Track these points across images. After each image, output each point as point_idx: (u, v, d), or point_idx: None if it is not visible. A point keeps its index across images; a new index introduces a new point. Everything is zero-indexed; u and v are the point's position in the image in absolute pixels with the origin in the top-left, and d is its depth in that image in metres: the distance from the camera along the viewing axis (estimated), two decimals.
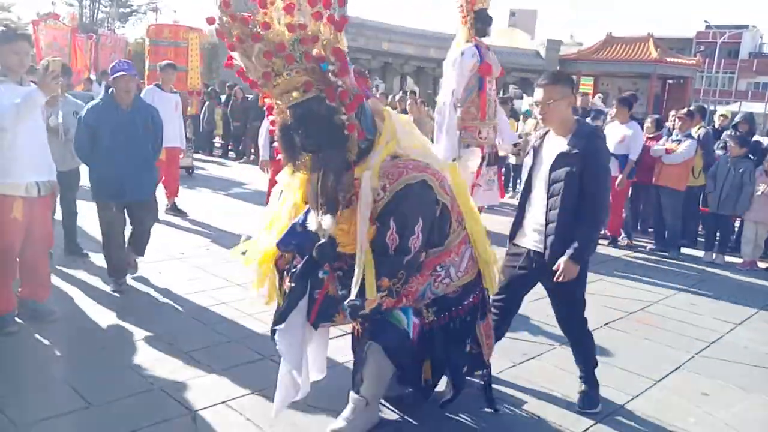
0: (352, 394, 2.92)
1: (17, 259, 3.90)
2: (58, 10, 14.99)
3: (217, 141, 15.36)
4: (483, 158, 6.63)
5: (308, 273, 2.80)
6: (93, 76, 13.43)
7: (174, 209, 7.46)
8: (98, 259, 5.10)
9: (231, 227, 6.99)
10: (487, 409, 3.19)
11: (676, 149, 7.03)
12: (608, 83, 27.94)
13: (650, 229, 8.01)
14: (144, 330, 3.97)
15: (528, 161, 3.38)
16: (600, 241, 7.61)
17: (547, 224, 3.15)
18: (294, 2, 2.51)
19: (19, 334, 3.80)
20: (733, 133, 7.46)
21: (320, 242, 2.70)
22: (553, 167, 3.12)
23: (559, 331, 4.35)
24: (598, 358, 4.01)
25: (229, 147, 14.93)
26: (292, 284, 2.82)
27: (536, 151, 3.31)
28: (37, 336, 3.81)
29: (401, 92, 13.84)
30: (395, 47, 32.92)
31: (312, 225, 2.76)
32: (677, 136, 7.21)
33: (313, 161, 2.72)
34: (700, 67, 31.88)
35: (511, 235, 3.43)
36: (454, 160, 5.91)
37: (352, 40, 31.74)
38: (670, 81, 30.19)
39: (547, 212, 3.15)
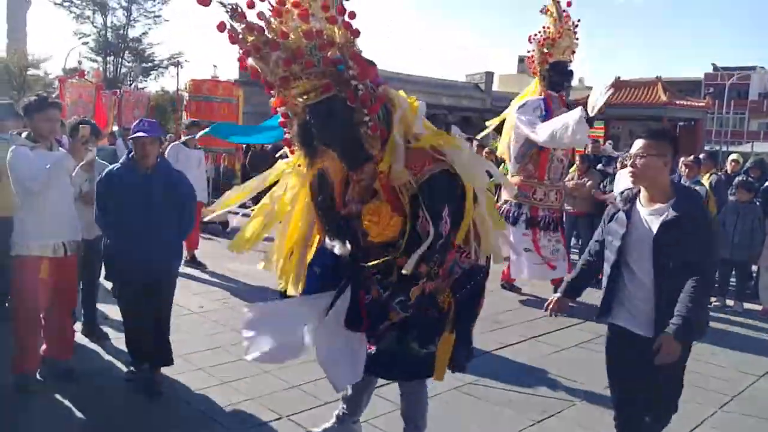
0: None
1: (42, 319, 3.99)
2: (83, 65, 15.52)
3: None
4: (535, 222, 6.34)
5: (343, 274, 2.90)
6: (116, 129, 13.84)
7: (193, 261, 7.55)
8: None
9: (250, 279, 7.06)
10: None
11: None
12: (620, 126, 28.13)
13: None
14: (162, 389, 4.00)
15: (614, 228, 2.99)
16: None
17: (658, 305, 2.82)
18: (308, 9, 2.58)
19: (40, 393, 3.85)
20: (744, 179, 7.49)
21: (346, 263, 2.84)
22: (659, 239, 2.79)
23: (578, 386, 4.36)
24: None
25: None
26: (317, 269, 2.96)
27: (628, 216, 2.94)
28: (57, 396, 3.86)
29: None
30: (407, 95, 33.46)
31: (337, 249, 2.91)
32: (686, 182, 7.26)
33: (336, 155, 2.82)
34: (710, 108, 32.03)
35: (603, 312, 3.05)
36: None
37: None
38: (681, 123, 30.32)
39: (658, 292, 2.82)
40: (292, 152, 3.00)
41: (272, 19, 2.61)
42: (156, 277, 3.97)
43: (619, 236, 2.94)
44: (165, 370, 4.21)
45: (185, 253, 7.47)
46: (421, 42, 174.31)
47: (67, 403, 3.79)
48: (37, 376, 3.96)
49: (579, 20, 6.59)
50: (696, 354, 5.29)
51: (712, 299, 7.25)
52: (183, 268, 7.25)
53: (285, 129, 2.95)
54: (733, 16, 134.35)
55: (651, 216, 2.85)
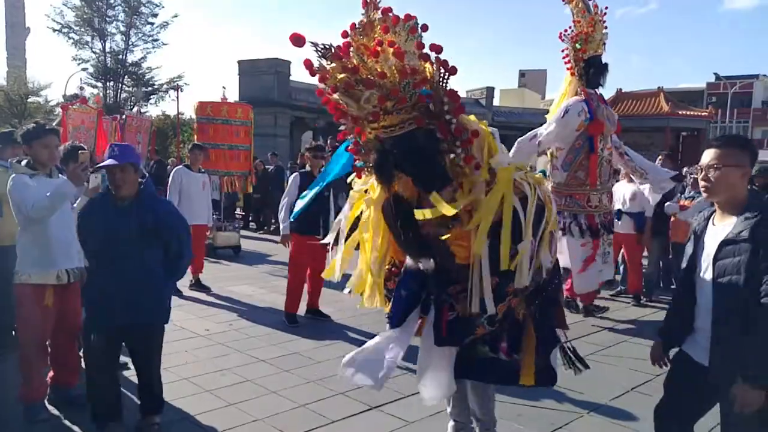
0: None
1: (48, 346, 4.01)
2: (84, 91, 15.70)
3: (239, 212, 15.69)
4: (594, 229, 6.02)
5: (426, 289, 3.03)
6: None
7: (198, 285, 7.59)
8: None
9: (255, 301, 7.09)
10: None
11: (690, 206, 7.06)
12: (623, 138, 28.16)
13: (673, 286, 7.94)
14: (169, 411, 4.00)
15: (689, 249, 2.81)
16: (624, 300, 7.56)
17: (713, 333, 2.53)
18: (403, 49, 2.68)
19: (49, 422, 3.86)
20: (749, 187, 7.46)
21: (431, 280, 2.95)
22: (718, 257, 2.52)
23: (585, 398, 4.34)
24: (625, 424, 3.97)
25: (250, 218, 15.22)
26: (403, 292, 3.05)
27: (698, 236, 2.74)
28: (66, 422, 3.87)
29: None
30: None
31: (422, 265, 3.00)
32: (690, 192, 7.26)
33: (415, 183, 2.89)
34: (713, 118, 32.09)
35: (669, 336, 2.88)
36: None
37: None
38: (684, 133, 30.36)
39: (715, 318, 2.53)
40: (359, 177, 3.12)
41: (368, 60, 2.69)
42: (133, 320, 3.51)
43: (687, 256, 2.77)
44: (172, 393, 4.21)
45: (190, 277, 7.52)
46: None
47: (77, 429, 3.80)
48: (46, 403, 3.97)
49: (606, 8, 6.20)
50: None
51: None
52: (188, 292, 7.34)
53: (355, 157, 3.06)
54: (735, 25, 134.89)
55: (718, 233, 2.58)
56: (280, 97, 27.92)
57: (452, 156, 2.78)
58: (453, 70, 2.73)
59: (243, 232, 13.75)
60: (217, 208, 12.14)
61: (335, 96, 2.78)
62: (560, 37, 6.22)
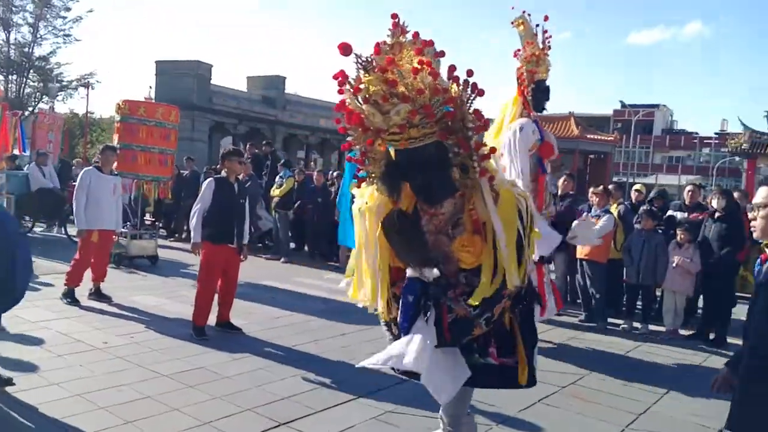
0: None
1: None
2: None
3: (148, 218, 15.01)
4: (542, 257, 5.78)
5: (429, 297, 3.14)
6: (19, 153, 13.04)
7: (97, 294, 7.12)
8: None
9: (161, 312, 6.76)
10: None
11: (596, 223, 7.37)
12: None
13: (578, 300, 8.25)
14: (58, 430, 3.71)
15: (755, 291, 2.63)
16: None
17: (740, 385, 2.38)
18: (437, 69, 2.97)
19: None
20: (648, 208, 7.91)
21: (432, 286, 3.09)
22: (756, 305, 2.37)
23: (495, 409, 4.39)
24: None
25: (160, 225, 14.60)
26: (410, 297, 3.17)
27: (759, 277, 2.55)
28: None
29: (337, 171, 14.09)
30: (332, 124, 33.61)
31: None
32: (596, 211, 7.59)
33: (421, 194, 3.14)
34: (618, 143, 34.00)
35: (735, 368, 2.62)
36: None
37: (291, 116, 32.35)
38: (591, 156, 31.96)
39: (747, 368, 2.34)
40: (359, 186, 3.31)
41: (406, 76, 2.89)
42: None
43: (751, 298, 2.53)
44: (63, 410, 3.92)
45: (90, 285, 7.08)
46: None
47: None
48: None
49: (550, 36, 6.22)
50: (605, 376, 5.50)
51: (620, 322, 7.57)
52: (86, 302, 6.89)
53: (358, 167, 3.27)
54: (637, 58, 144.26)
55: None
56: (200, 100, 27.18)
57: (464, 169, 3.05)
58: (481, 92, 3.02)
59: (161, 241, 13.19)
60: (132, 213, 11.58)
61: (364, 107, 2.93)
62: (515, 55, 6.24)
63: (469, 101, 3.04)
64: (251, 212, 10.76)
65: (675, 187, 31.86)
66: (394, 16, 3.10)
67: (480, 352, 3.20)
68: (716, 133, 52.08)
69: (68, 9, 32.30)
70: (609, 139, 31.36)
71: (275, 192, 11.57)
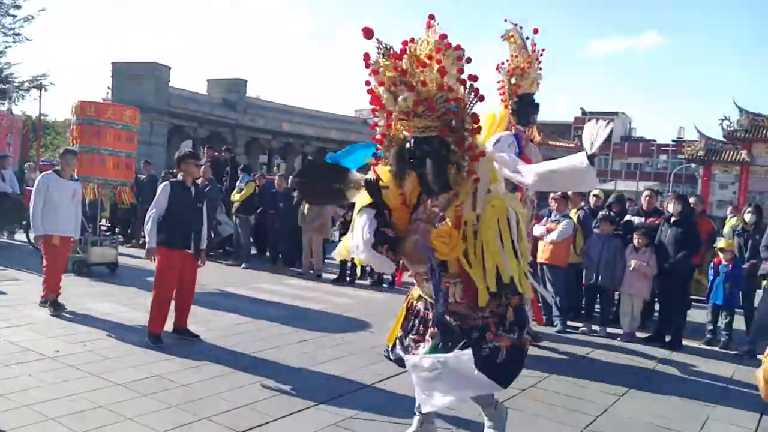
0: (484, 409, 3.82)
1: None
2: None
3: (104, 224, 14.62)
4: None
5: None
6: None
7: (54, 304, 6.72)
8: None
9: (117, 319, 6.56)
10: None
11: (555, 228, 7.47)
12: None
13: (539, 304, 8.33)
14: None
15: None
16: None
17: None
18: (447, 69, 3.21)
19: None
20: (606, 213, 8.05)
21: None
22: None
23: (454, 413, 4.37)
24: None
25: (117, 230, 14.24)
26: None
27: None
28: None
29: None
30: (295, 128, 33.54)
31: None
32: (555, 216, 7.69)
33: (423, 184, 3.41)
34: (579, 149, 34.55)
35: None
36: None
37: (252, 120, 32.05)
38: None
39: None
40: (375, 166, 3.57)
41: (416, 68, 3.23)
42: None
43: None
44: (10, 422, 3.76)
45: (41, 293, 6.83)
46: (311, 74, 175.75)
47: None
48: None
49: (543, 50, 6.20)
50: (564, 378, 5.55)
51: (579, 325, 7.67)
52: (37, 311, 6.64)
53: (377, 147, 3.59)
54: (599, 66, 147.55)
55: None
56: (157, 103, 26.73)
57: (458, 167, 3.32)
58: (481, 98, 3.32)
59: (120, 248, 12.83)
60: (87, 220, 11.22)
61: (380, 89, 3.33)
62: (497, 68, 6.25)
63: (471, 104, 3.31)
64: (210, 217, 10.61)
65: (633, 193, 32.61)
66: (431, 17, 3.39)
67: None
68: (673, 141, 53.57)
69: (18, 7, 31.26)
70: (570, 145, 31.85)
71: (236, 197, 11.42)
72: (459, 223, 3.29)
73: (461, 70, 3.26)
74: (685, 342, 7.19)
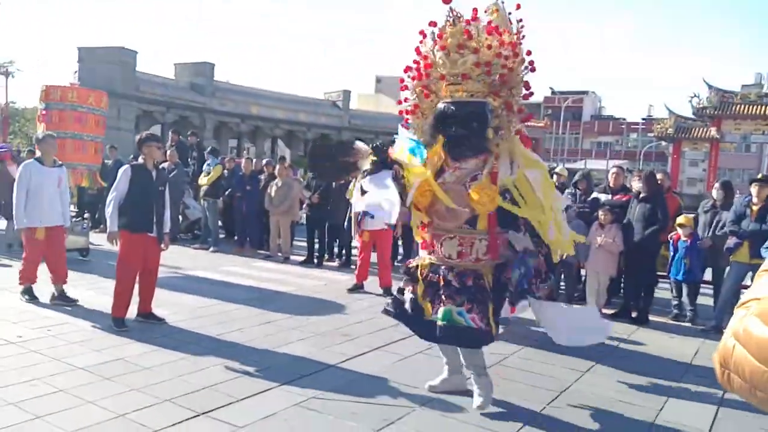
0: (471, 377, 4.29)
1: None
2: None
3: (72, 209, 14.34)
4: None
5: None
6: None
7: (62, 298, 6.50)
8: None
9: (82, 303, 6.48)
10: None
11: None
12: None
13: None
14: None
15: None
16: None
17: None
18: (506, 42, 3.89)
19: None
20: (573, 191, 8.13)
21: None
22: None
23: (418, 392, 4.42)
24: (453, 416, 4.10)
25: (84, 216, 13.99)
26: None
27: None
28: None
29: (266, 157, 13.96)
30: (265, 111, 33.16)
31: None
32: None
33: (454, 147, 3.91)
34: (549, 129, 34.87)
35: None
36: None
37: (221, 104, 31.57)
38: None
39: None
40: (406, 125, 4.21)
41: (481, 35, 3.86)
42: None
43: None
44: None
45: (53, 290, 6.60)
46: (280, 57, 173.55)
47: None
48: None
49: (523, 26, 6.30)
50: (528, 355, 5.63)
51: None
52: (6, 298, 6.52)
53: (406, 116, 4.16)
54: (569, 44, 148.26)
55: None
56: (125, 88, 26.23)
57: (496, 131, 3.90)
58: (534, 69, 3.95)
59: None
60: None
61: (439, 53, 3.86)
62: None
63: (523, 74, 3.91)
64: (177, 201, 10.48)
65: (604, 172, 33.04)
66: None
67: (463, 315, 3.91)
68: (643, 119, 54.14)
69: None
70: (540, 125, 32.00)
71: (203, 180, 11.30)
72: (495, 179, 3.80)
73: (514, 45, 3.87)
74: (651, 318, 7.29)
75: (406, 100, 4.06)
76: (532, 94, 3.98)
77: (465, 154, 3.88)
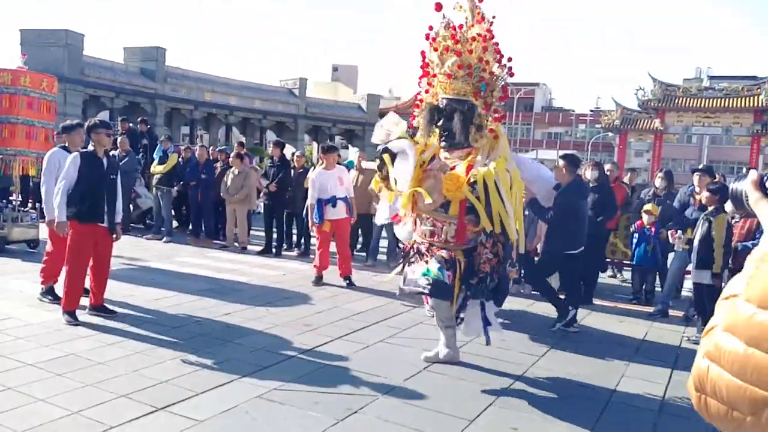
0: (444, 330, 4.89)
1: None
2: None
3: (15, 199, 13.74)
4: None
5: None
6: None
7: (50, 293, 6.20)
8: None
9: (28, 297, 6.23)
10: None
11: None
12: None
13: None
14: None
15: None
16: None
17: None
18: (488, 47, 4.47)
19: None
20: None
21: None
22: None
23: (381, 380, 4.43)
24: (415, 403, 4.12)
25: (29, 206, 13.43)
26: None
27: None
28: None
29: (221, 145, 13.68)
30: (219, 98, 32.49)
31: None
32: None
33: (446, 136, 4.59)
34: (502, 119, 35.21)
35: None
36: None
37: (173, 90, 30.77)
38: None
39: None
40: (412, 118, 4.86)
41: (466, 41, 4.44)
42: None
43: None
44: None
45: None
46: (234, 43, 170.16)
47: None
48: None
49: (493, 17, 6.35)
50: (483, 339, 5.67)
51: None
52: None
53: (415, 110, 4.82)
54: (520, 37, 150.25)
55: None
56: (71, 72, 25.27)
57: (479, 128, 4.49)
58: (512, 74, 4.64)
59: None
60: (3, 194, 10.54)
61: (433, 53, 4.50)
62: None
63: (503, 78, 4.54)
64: (128, 189, 10.15)
65: (553, 162, 33.75)
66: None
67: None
68: (591, 110, 55.39)
69: None
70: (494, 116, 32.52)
71: (157, 169, 10.99)
72: (467, 171, 4.28)
73: (498, 52, 4.48)
74: (602, 303, 7.53)
75: (417, 95, 4.83)
76: (506, 97, 4.58)
77: (453, 146, 4.50)
